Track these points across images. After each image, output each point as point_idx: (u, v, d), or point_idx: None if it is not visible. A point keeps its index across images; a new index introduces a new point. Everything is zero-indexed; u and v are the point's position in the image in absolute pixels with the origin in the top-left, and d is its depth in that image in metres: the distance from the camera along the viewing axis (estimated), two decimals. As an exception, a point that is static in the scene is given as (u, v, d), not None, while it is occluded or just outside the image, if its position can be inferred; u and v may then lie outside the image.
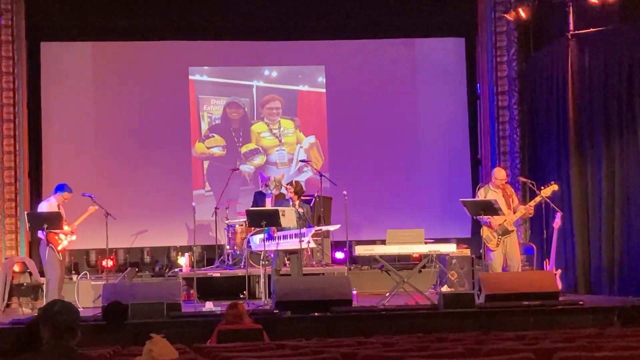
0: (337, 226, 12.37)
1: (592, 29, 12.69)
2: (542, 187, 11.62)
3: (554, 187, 11.60)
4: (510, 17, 13.72)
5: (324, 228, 12.67)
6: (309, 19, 15.04)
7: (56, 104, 14.64)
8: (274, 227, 11.47)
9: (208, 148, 15.22)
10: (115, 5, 14.44)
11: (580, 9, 12.72)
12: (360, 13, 14.99)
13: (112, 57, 14.97)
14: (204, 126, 15.20)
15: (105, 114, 14.87)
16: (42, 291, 11.79)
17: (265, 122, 15.34)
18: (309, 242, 11.71)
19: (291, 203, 11.78)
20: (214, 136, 15.24)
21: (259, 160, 15.25)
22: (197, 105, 15.19)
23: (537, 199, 11.58)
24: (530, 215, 12.02)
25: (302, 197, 12.80)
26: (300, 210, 11.69)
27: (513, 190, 12.18)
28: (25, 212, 12.12)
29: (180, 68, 15.08)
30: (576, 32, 12.80)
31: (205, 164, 15.19)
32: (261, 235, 11.65)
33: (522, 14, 13.46)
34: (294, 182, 12.28)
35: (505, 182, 11.99)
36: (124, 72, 14.94)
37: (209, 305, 10.92)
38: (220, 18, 14.86)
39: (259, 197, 13.44)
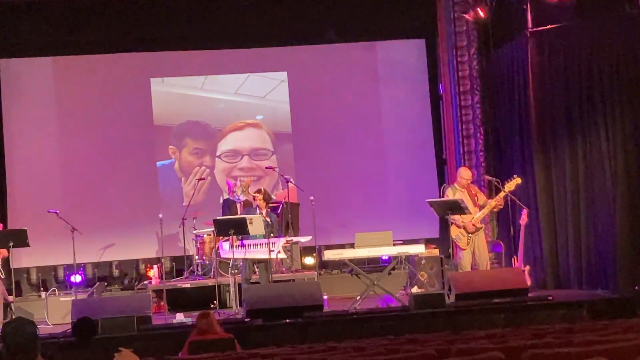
0: (308, 238, 12.28)
1: (550, 26, 12.79)
2: (506, 182, 11.71)
3: (517, 180, 11.69)
4: (469, 17, 13.83)
5: (295, 239, 12.65)
6: (268, 25, 15.00)
7: (18, 120, 14.50)
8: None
9: (173, 158, 15.15)
10: (73, 19, 14.32)
11: (538, 7, 12.82)
12: (320, 18, 14.97)
13: (73, 71, 14.84)
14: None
15: (68, 128, 14.74)
16: (11, 310, 11.67)
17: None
18: (279, 252, 11.68)
19: (258, 211, 11.75)
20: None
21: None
22: (160, 115, 15.10)
23: (502, 194, 11.66)
24: (501, 207, 12.00)
25: (270, 204, 12.78)
26: (268, 219, 11.67)
27: (477, 188, 12.27)
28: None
29: (141, 79, 14.99)
30: (534, 29, 12.90)
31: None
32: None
33: (481, 13, 13.57)
34: (262, 189, 12.25)
35: (471, 182, 12.06)
36: (86, 86, 14.81)
37: (179, 317, 10.88)
38: (180, 28, 14.77)
39: (230, 204, 13.37)
